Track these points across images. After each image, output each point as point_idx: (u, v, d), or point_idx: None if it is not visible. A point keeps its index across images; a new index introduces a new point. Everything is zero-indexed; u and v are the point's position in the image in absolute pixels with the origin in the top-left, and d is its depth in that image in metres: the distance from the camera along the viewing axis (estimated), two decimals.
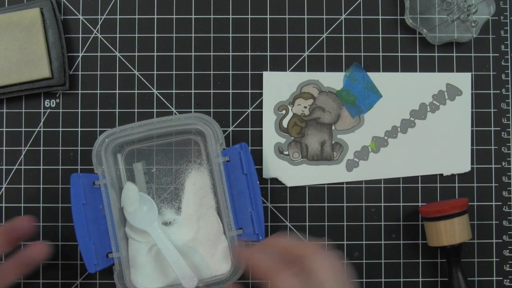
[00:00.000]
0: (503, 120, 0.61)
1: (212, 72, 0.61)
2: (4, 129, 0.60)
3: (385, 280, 0.60)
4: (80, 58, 0.60)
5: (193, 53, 0.61)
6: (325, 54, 0.61)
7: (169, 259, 0.55)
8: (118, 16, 0.61)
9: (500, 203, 0.61)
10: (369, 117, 0.61)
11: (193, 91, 0.61)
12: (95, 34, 0.61)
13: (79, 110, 0.60)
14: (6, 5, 0.60)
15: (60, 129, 0.60)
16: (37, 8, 0.58)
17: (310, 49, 0.61)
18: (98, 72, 0.60)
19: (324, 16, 0.61)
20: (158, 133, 0.57)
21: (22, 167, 0.60)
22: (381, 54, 0.61)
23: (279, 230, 0.60)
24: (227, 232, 0.56)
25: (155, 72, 0.61)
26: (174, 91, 0.61)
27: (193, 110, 0.60)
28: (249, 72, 0.61)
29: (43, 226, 0.59)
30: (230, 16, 0.61)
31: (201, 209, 0.57)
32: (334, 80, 0.61)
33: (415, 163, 0.61)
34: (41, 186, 0.60)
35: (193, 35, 0.61)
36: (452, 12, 0.60)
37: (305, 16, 0.61)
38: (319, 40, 0.61)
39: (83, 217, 0.54)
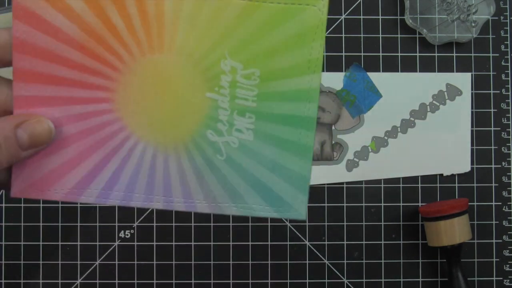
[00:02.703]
0: (503, 120, 0.61)
1: None
2: None
3: (385, 280, 0.60)
4: None
5: None
6: (325, 54, 0.61)
7: None
8: None
9: (500, 203, 0.61)
10: (369, 117, 0.61)
11: None
12: None
13: None
14: (6, 5, 0.60)
15: None
16: None
17: None
18: None
19: None
20: None
21: None
22: (381, 54, 0.61)
23: (279, 230, 0.60)
24: None
25: None
26: None
27: None
28: None
29: (43, 226, 0.59)
30: None
31: None
32: (334, 80, 0.61)
33: (415, 163, 0.61)
34: None
35: None
36: (452, 12, 0.60)
37: None
38: None
39: None
